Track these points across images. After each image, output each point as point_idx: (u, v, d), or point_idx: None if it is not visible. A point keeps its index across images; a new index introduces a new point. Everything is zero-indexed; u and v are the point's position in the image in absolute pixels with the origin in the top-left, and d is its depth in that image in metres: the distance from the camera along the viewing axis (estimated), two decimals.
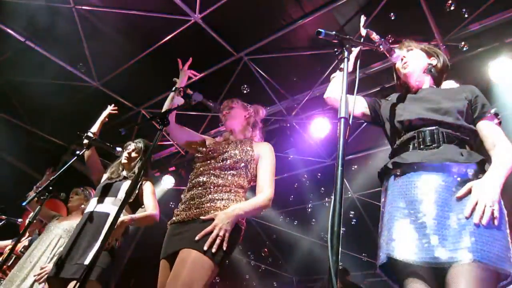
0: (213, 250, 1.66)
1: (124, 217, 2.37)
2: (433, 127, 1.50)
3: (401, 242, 1.34)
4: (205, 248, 1.65)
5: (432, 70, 1.73)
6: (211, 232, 1.70)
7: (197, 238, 1.67)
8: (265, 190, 1.96)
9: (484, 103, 1.57)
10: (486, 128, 1.53)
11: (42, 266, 2.78)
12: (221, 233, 1.69)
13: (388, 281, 1.44)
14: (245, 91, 4.42)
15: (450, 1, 3.49)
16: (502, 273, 1.22)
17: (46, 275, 2.47)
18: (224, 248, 1.70)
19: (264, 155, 2.07)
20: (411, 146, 1.54)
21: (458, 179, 1.38)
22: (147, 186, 2.68)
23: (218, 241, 1.68)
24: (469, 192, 1.33)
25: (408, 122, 1.58)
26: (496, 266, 1.19)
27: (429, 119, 1.53)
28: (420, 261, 1.27)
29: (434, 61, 1.75)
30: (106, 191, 2.59)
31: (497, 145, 1.47)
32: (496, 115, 1.55)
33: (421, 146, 1.49)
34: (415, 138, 1.53)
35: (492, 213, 1.26)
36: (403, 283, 1.36)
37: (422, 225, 1.32)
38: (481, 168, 1.41)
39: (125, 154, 2.81)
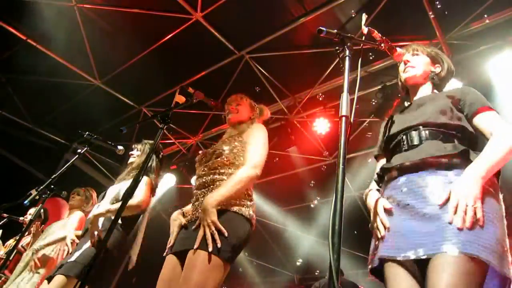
0: (219, 245, 1.65)
1: (96, 210, 2.35)
2: (418, 128, 1.51)
3: (388, 242, 1.36)
4: (210, 247, 1.64)
5: (435, 78, 1.73)
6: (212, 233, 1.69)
7: (195, 246, 1.66)
8: (248, 160, 1.89)
9: (473, 101, 1.51)
10: (480, 123, 1.47)
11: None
12: (212, 229, 1.67)
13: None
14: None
15: None
16: (488, 265, 1.16)
17: None
18: (226, 235, 1.68)
19: (250, 133, 2.03)
20: (398, 150, 1.56)
21: (441, 172, 1.37)
22: (142, 180, 2.60)
23: (216, 237, 1.66)
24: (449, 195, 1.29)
25: (397, 131, 1.60)
26: (480, 256, 1.15)
27: (414, 125, 1.54)
28: (402, 256, 1.28)
29: (437, 69, 1.75)
30: (102, 196, 2.69)
31: (492, 133, 1.41)
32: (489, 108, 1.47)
33: (406, 148, 1.51)
34: (402, 141, 1.55)
35: (475, 212, 1.22)
36: (387, 276, 1.35)
37: (409, 225, 1.33)
38: (464, 158, 1.38)
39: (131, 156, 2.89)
